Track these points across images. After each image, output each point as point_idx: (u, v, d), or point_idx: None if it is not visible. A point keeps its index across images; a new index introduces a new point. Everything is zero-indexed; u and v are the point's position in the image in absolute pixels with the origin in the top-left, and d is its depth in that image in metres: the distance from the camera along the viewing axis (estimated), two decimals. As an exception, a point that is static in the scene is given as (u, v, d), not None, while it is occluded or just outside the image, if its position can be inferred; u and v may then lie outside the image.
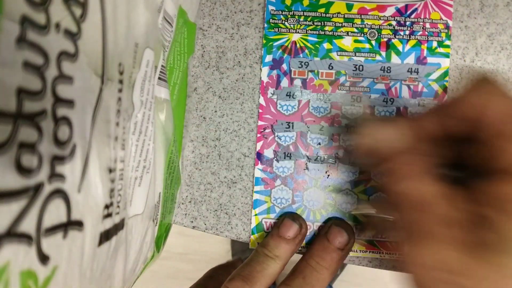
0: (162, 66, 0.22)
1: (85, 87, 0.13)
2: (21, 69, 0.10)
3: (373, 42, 0.28)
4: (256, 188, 0.29)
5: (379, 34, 0.28)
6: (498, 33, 0.28)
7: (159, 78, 0.22)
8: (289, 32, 0.28)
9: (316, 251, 0.25)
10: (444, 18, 0.28)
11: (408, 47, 0.28)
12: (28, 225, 0.10)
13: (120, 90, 0.16)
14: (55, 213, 0.11)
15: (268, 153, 0.29)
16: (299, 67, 0.28)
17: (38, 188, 0.11)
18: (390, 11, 0.28)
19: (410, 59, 0.28)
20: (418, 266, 0.16)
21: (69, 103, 0.12)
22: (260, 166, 0.29)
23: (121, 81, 0.16)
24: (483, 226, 0.15)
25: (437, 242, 0.16)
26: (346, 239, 0.26)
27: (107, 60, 0.14)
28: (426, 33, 0.28)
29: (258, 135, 0.29)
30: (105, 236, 0.15)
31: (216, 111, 0.29)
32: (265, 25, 0.29)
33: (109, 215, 0.15)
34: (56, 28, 0.11)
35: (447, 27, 0.28)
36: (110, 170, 0.15)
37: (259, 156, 0.29)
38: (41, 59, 0.11)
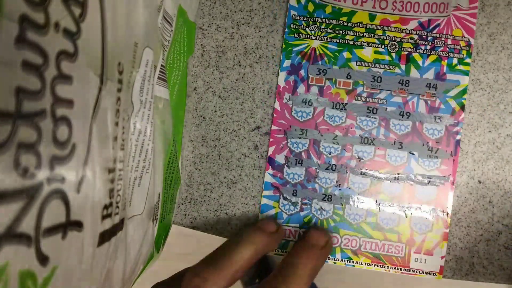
0: (161, 65, 0.22)
1: (84, 87, 0.13)
2: (20, 69, 0.10)
3: (393, 55, 0.28)
4: (265, 192, 0.28)
5: (400, 46, 0.28)
6: (499, 33, 0.28)
7: (159, 78, 0.22)
8: (309, 38, 0.28)
9: (297, 251, 0.25)
10: (466, 35, 0.28)
11: (428, 62, 0.28)
12: (27, 226, 0.10)
13: (119, 90, 0.16)
14: (54, 213, 0.11)
15: (280, 158, 0.28)
16: (317, 74, 0.28)
17: (37, 188, 0.11)
18: (413, 24, 0.28)
19: (430, 74, 0.28)
20: None
21: (68, 103, 0.12)
22: (270, 171, 0.28)
23: (120, 81, 0.16)
24: None
25: None
26: (325, 237, 0.26)
27: (106, 59, 0.14)
28: (447, 49, 0.28)
29: (271, 139, 0.29)
30: (105, 237, 0.15)
31: (216, 111, 0.29)
32: (286, 30, 0.28)
33: (108, 216, 0.15)
34: (55, 27, 0.11)
35: (469, 45, 0.28)
36: (110, 171, 0.15)
37: (270, 161, 0.28)
38: (40, 59, 0.11)
